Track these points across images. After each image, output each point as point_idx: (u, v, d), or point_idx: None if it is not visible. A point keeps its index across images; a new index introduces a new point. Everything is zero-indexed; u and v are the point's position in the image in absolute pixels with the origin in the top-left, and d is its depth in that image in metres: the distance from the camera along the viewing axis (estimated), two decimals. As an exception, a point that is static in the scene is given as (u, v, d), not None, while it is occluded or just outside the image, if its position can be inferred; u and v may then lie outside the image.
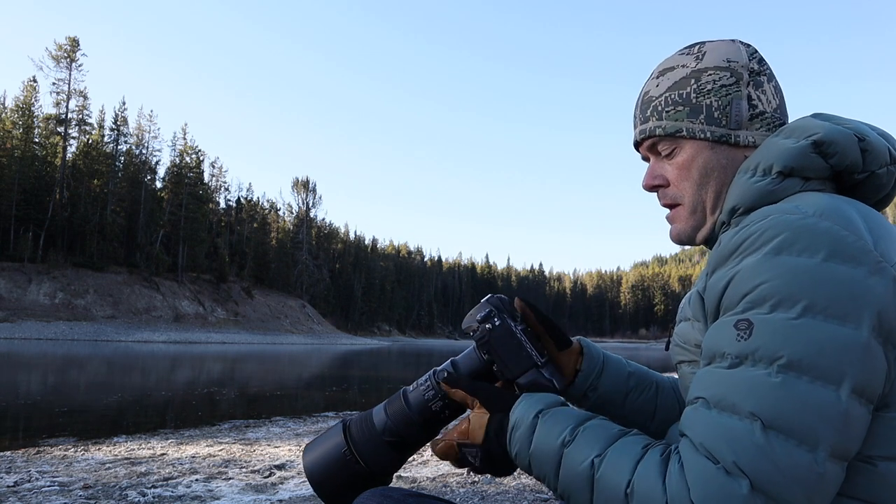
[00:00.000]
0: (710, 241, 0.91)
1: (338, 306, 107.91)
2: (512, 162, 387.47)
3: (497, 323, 0.90)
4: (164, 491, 3.80)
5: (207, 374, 20.15)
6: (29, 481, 4.11)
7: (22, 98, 64.39)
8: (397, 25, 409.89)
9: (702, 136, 0.87)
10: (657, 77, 0.92)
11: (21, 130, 63.22)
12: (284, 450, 5.63)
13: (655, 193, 0.95)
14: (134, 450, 5.67)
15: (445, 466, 4.62)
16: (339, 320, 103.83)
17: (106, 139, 72.67)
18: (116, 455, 5.34)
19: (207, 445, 5.97)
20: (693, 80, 0.88)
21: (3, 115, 64.09)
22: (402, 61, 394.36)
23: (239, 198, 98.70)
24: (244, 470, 4.56)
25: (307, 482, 0.86)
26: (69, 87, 66.72)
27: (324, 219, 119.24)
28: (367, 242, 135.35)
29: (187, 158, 77.31)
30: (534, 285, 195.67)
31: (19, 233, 58.88)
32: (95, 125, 71.22)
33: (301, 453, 1.30)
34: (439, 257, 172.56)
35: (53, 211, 62.36)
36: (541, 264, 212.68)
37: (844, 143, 0.79)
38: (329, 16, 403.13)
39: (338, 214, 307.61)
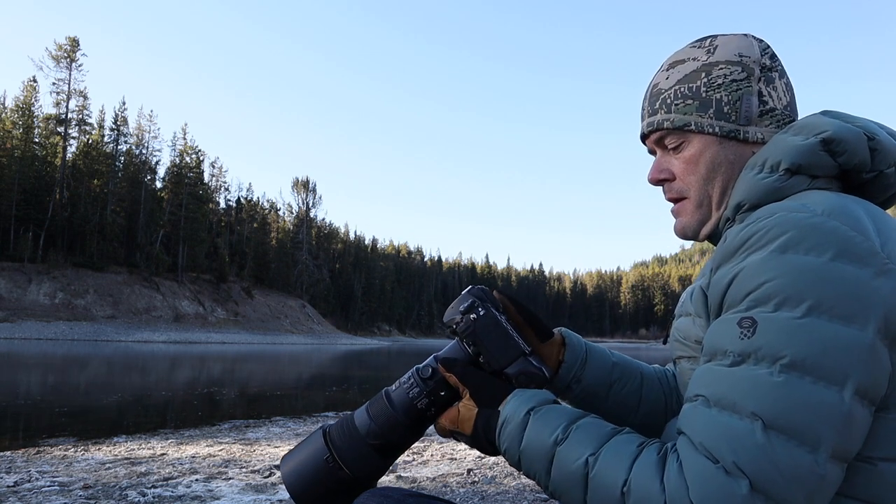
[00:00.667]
0: (714, 237, 0.90)
1: (338, 306, 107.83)
2: (512, 162, 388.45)
3: (482, 312, 0.86)
4: (164, 491, 3.79)
5: (207, 374, 20.12)
6: (29, 481, 4.11)
7: (22, 98, 64.34)
8: (397, 25, 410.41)
9: (710, 130, 0.86)
10: (667, 69, 0.91)
11: (21, 130, 63.17)
12: (284, 450, 5.61)
13: (661, 187, 0.93)
14: (134, 450, 5.66)
15: (445, 466, 4.62)
16: (339, 320, 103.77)
17: (106, 139, 72.60)
18: (116, 455, 5.34)
19: (207, 445, 5.97)
20: (704, 74, 0.87)
21: (3, 115, 64.01)
22: (402, 61, 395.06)
23: (239, 198, 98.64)
24: (244, 470, 4.56)
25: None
26: (69, 87, 66.69)
27: (324, 219, 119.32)
28: (367, 242, 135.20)
29: (187, 158, 77.26)
30: (534, 285, 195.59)
31: (19, 233, 58.84)
32: (95, 125, 71.16)
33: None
34: (439, 257, 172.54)
35: (53, 211, 62.32)
36: (541, 264, 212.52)
37: (854, 141, 0.78)
38: (329, 16, 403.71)
39: (338, 214, 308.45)
